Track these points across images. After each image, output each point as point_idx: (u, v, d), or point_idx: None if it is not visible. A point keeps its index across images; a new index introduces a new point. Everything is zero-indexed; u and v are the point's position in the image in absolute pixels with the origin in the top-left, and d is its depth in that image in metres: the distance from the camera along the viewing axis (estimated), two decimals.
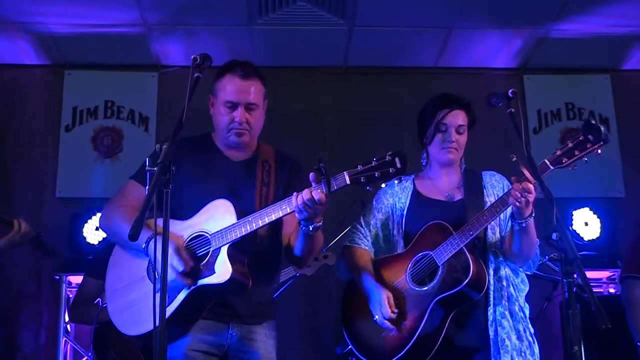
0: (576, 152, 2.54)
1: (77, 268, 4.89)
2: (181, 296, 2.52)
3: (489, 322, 2.75)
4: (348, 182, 2.35)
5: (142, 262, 2.65)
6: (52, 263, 4.97)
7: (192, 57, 2.40)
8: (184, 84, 2.34)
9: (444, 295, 2.71)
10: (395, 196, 3.04)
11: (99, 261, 3.72)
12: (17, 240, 3.68)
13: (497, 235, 2.88)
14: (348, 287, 3.04)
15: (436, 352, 2.70)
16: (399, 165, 2.34)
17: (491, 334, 2.73)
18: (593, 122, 2.54)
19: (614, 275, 5.16)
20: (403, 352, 2.74)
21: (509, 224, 2.79)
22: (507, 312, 2.76)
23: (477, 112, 3.03)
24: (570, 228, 5.11)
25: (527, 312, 2.85)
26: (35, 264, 5.18)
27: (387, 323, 2.78)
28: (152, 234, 2.38)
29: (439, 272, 2.76)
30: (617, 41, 5.41)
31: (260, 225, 2.50)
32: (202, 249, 2.58)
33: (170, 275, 2.45)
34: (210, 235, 2.57)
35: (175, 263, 2.46)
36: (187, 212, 2.64)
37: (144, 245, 2.52)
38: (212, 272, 2.50)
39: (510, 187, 2.65)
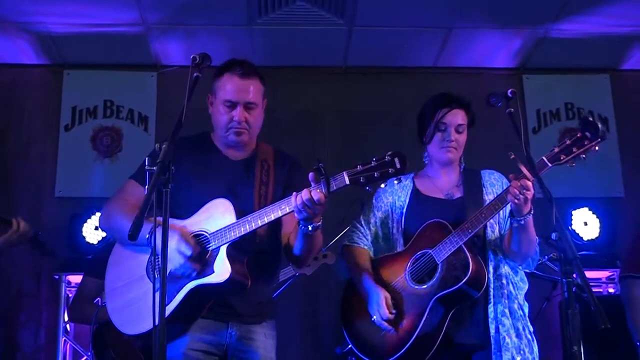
0: (574, 149, 2.55)
1: (76, 267, 4.89)
2: (180, 295, 2.52)
3: (490, 320, 2.75)
4: (347, 182, 2.35)
5: (142, 261, 2.65)
6: (51, 262, 4.96)
7: (191, 57, 2.41)
8: (183, 84, 2.34)
9: (443, 293, 2.71)
10: (395, 194, 3.04)
11: (99, 261, 3.71)
12: (15, 240, 3.68)
13: (497, 233, 2.89)
14: (348, 286, 3.04)
15: (436, 350, 2.70)
16: (398, 166, 2.34)
17: (492, 331, 2.74)
18: (590, 118, 2.55)
19: (613, 275, 5.15)
20: (403, 350, 2.75)
21: (508, 222, 2.80)
22: (507, 310, 2.77)
23: (477, 112, 3.03)
24: (569, 228, 5.11)
25: (526, 310, 2.85)
26: (35, 263, 5.18)
27: (385, 324, 2.78)
28: (155, 224, 2.36)
29: (438, 270, 2.76)
30: (616, 41, 5.41)
31: (260, 225, 2.50)
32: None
33: (179, 260, 2.46)
34: (209, 234, 2.56)
35: (183, 248, 2.47)
36: (186, 211, 2.64)
37: (147, 235, 2.50)
38: (211, 271, 2.50)
39: (508, 185, 2.65)
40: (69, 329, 5.07)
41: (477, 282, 2.72)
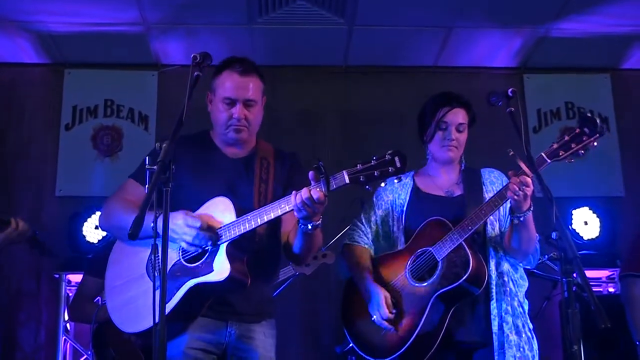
0: (573, 145, 2.55)
1: (76, 267, 4.89)
2: (180, 293, 2.52)
3: (492, 317, 2.76)
4: (347, 181, 2.35)
5: (142, 259, 2.65)
6: (51, 262, 4.96)
7: (192, 56, 2.40)
8: (183, 83, 2.34)
9: (443, 290, 2.72)
10: (395, 193, 3.05)
11: (99, 260, 3.72)
12: (14, 238, 3.68)
13: (497, 230, 2.89)
14: (349, 285, 3.04)
15: (437, 347, 2.71)
16: (398, 165, 2.34)
17: (495, 329, 2.74)
18: (589, 114, 2.56)
19: (613, 274, 5.15)
20: (404, 348, 2.75)
21: (508, 219, 2.80)
22: (509, 308, 2.77)
23: (477, 111, 3.04)
24: (569, 227, 5.10)
25: (526, 307, 2.86)
26: (35, 262, 5.17)
27: (385, 323, 2.78)
28: (158, 212, 2.35)
29: (439, 268, 2.77)
30: (617, 40, 5.41)
31: (260, 223, 2.49)
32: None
33: (191, 233, 2.47)
34: None
35: (190, 221, 2.48)
36: (186, 209, 2.63)
37: (152, 224, 2.49)
38: (211, 269, 2.50)
39: (508, 182, 2.65)
40: (69, 328, 5.07)
41: (478, 279, 2.72)
